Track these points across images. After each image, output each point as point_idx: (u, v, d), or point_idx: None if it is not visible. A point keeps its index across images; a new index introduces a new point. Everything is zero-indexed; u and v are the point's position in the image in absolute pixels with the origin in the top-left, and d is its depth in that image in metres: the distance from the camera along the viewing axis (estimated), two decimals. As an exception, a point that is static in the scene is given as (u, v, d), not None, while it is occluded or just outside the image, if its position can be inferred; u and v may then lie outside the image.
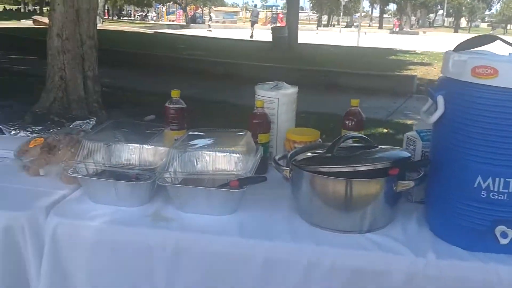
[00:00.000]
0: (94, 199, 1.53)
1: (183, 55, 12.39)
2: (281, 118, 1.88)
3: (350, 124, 1.83)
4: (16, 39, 13.73)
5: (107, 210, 1.49)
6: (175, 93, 1.83)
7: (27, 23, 17.46)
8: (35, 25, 18.16)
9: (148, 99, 6.64)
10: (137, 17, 38.05)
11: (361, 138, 1.56)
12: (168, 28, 26.57)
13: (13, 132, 1.91)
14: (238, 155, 1.58)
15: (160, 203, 1.53)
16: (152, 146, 1.64)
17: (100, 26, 20.13)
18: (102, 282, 1.46)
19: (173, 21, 36.18)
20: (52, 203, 1.52)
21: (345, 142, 1.54)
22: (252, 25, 24.74)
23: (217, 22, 38.32)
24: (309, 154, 1.56)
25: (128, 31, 19.66)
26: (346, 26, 35.15)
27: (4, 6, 34.84)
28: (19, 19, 20.49)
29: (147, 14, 38.35)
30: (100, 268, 1.45)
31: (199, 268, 1.39)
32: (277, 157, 1.58)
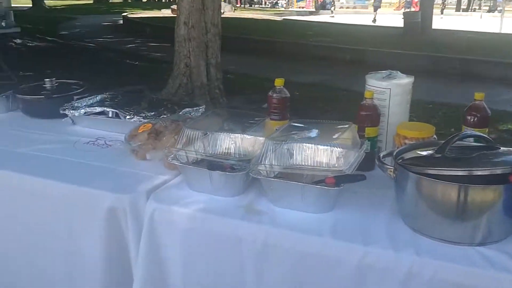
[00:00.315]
0: (192, 187, 1.54)
1: (310, 41, 12.29)
2: (392, 110, 1.73)
3: (472, 120, 1.62)
4: (155, 27, 14.73)
5: (202, 198, 1.49)
6: (278, 82, 1.77)
7: (166, 12, 18.66)
8: (173, 14, 19.38)
9: (270, 86, 6.70)
10: (268, 5, 38.70)
11: (480, 137, 1.36)
12: (297, 15, 26.58)
13: (127, 117, 2.01)
14: (340, 149, 1.48)
15: (255, 195, 1.49)
16: (251, 136, 1.59)
17: (232, 14, 20.83)
18: (195, 269, 1.46)
19: (302, 7, 36.19)
20: (153, 187, 1.56)
21: (463, 141, 1.36)
22: (375, 10, 23.80)
23: (347, 7, 37.46)
24: (419, 152, 1.40)
25: (258, 19, 20.07)
26: (489, 11, 32.13)
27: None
28: (159, 9, 21.98)
29: (278, 1, 38.85)
30: (193, 255, 1.45)
31: (287, 265, 1.33)
32: (382, 154, 1.45)
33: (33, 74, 6.90)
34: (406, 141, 1.57)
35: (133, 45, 12.19)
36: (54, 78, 2.35)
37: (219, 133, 1.55)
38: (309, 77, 8.15)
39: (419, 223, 1.28)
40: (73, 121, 2.14)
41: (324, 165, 1.43)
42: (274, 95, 1.76)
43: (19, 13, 22.83)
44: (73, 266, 1.65)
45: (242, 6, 35.62)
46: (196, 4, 4.57)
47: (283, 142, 1.44)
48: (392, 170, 1.33)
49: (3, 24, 5.79)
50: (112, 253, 1.56)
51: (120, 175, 1.66)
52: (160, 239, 1.47)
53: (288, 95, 1.77)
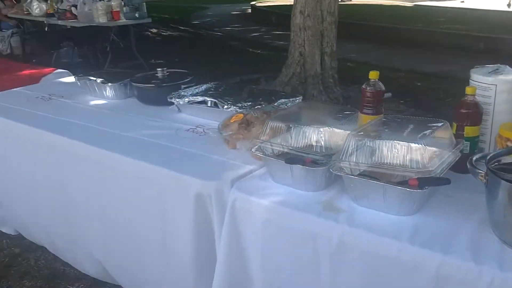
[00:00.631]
0: (274, 179, 1.55)
1: (439, 29, 11.53)
2: (498, 109, 1.57)
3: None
4: (280, 15, 14.87)
5: (282, 191, 1.50)
6: (373, 75, 1.69)
7: (290, 1, 18.79)
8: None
9: (392, 75, 6.45)
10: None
11: None
12: (430, 0, 25.05)
13: (225, 107, 2.07)
14: (432, 148, 1.39)
15: (337, 191, 1.46)
16: (339, 130, 1.56)
17: (361, 0, 20.28)
18: (272, 260, 1.48)
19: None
20: (238, 176, 1.60)
21: None
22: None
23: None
24: (520, 157, 1.26)
25: (386, 4, 19.30)
26: None
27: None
28: (286, -4, 22.19)
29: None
30: (270, 247, 1.47)
31: (362, 266, 1.29)
32: (476, 157, 1.32)
33: (163, 62, 7.43)
34: (509, 143, 1.42)
35: (258, 34, 12.46)
36: (165, 68, 2.50)
37: (303, 126, 1.53)
38: (436, 67, 7.66)
39: (508, 235, 1.15)
40: (178, 109, 2.27)
41: (410, 165, 1.35)
42: (368, 88, 1.69)
43: (157, 3, 24.73)
44: (167, 243, 1.78)
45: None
46: (312, -8, 4.54)
47: (366, 138, 1.38)
48: (483, 175, 1.21)
49: (136, 15, 6.28)
50: (199, 234, 1.64)
51: (210, 162, 1.73)
52: (241, 227, 1.51)
53: (383, 88, 1.69)
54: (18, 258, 2.51)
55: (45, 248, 2.50)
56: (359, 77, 6.51)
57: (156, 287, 1.94)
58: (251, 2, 20.17)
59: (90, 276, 2.29)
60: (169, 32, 11.78)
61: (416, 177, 1.28)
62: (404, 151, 1.38)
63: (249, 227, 1.50)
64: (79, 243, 2.20)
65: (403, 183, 1.29)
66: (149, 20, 6.75)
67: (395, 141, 1.39)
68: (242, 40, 11.10)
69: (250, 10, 18.44)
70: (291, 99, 2.13)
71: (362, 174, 1.39)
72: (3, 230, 2.69)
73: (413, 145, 1.37)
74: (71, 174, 2.07)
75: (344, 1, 19.10)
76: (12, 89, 2.81)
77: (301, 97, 2.17)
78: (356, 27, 10.86)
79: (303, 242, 1.38)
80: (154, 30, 11.30)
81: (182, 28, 12.92)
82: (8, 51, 7.34)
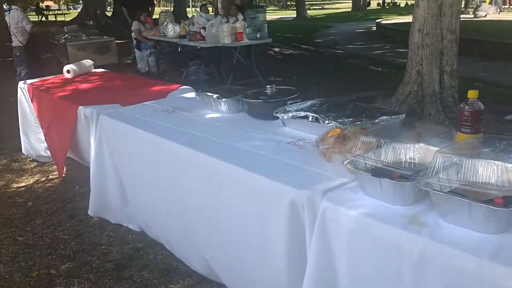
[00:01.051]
0: (365, 192, 1.62)
1: None
2: None
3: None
4: (405, 33, 14.49)
5: (371, 203, 1.56)
6: (472, 94, 1.69)
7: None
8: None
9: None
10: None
11: None
12: None
13: (326, 122, 2.17)
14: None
15: (425, 207, 1.49)
16: (431, 147, 1.58)
17: (496, 16, 18.99)
18: (357, 268, 1.55)
19: None
20: (330, 188, 1.70)
21: None
22: None
23: None
24: None
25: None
26: None
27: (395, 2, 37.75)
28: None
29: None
30: (356, 255, 1.54)
31: (443, 280, 1.31)
32: None
33: (281, 79, 7.72)
34: None
35: (381, 51, 12.29)
36: (274, 85, 2.68)
37: (394, 142, 1.58)
38: None
39: None
40: (283, 123, 2.42)
41: (498, 184, 1.33)
42: (466, 107, 1.69)
43: (284, 23, 25.53)
44: (264, 246, 1.92)
45: (510, 7, 32.00)
46: (432, 10, 4.44)
47: (453, 156, 1.40)
48: None
49: (258, 35, 6.63)
50: (293, 239, 1.77)
51: (306, 173, 1.85)
52: (329, 235, 1.60)
53: (482, 108, 1.68)
54: (140, 252, 2.83)
55: (163, 245, 2.78)
56: (484, 97, 6.16)
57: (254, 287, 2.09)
58: (376, 20, 19.96)
59: (199, 273, 2.51)
60: (290, 51, 12.12)
61: (502, 195, 1.27)
62: (496, 171, 1.37)
63: (337, 235, 1.58)
64: (190, 242, 2.44)
65: (489, 201, 1.29)
66: (270, 40, 7.08)
67: (483, 159, 1.39)
68: (363, 58, 11.05)
69: (375, 27, 18.25)
70: (393, 117, 2.17)
71: (452, 192, 1.41)
72: (130, 227, 3.04)
73: (508, 165, 1.36)
74: (185, 178, 2.32)
75: (477, 17, 18.02)
76: (143, 103, 3.20)
77: (404, 114, 2.20)
78: (489, 45, 10.22)
79: (387, 253, 1.44)
80: (277, 49, 11.72)
81: (303, 46, 13.21)
82: (146, 69, 8.15)
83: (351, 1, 35.76)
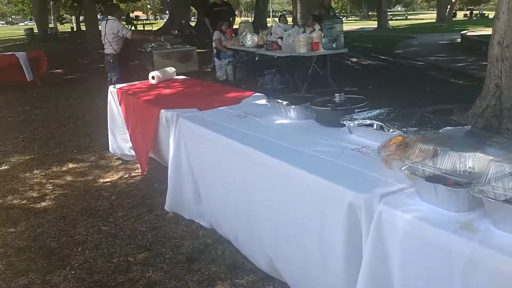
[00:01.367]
0: (421, 198, 1.68)
1: None
2: None
3: None
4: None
5: (426, 208, 1.63)
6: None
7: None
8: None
9: None
10: None
11: None
12: None
13: (390, 130, 2.23)
14: None
15: (479, 214, 1.53)
16: (488, 157, 1.61)
17: None
18: (410, 269, 1.62)
19: None
20: (387, 192, 1.78)
21: None
22: None
23: None
24: None
25: None
26: None
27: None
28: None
29: None
30: (409, 256, 1.61)
31: (492, 285, 1.35)
32: None
33: (357, 89, 7.71)
34: None
35: (463, 64, 11.87)
36: (343, 93, 2.77)
37: (450, 150, 1.63)
38: None
39: None
40: (349, 130, 2.51)
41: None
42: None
43: (365, 33, 25.28)
44: (323, 245, 2.02)
45: None
46: (513, 22, 4.30)
47: (506, 165, 1.44)
48: None
49: (334, 45, 6.71)
50: (350, 239, 1.87)
51: (366, 178, 1.94)
52: (384, 236, 1.68)
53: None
54: (209, 247, 3.01)
55: (230, 242, 2.95)
56: None
57: (313, 285, 2.19)
58: (462, 31, 19.23)
59: (262, 270, 2.64)
60: (368, 61, 12.02)
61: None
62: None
63: (392, 237, 1.66)
64: (256, 239, 2.58)
65: (542, 210, 1.32)
66: (346, 50, 7.13)
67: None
68: (444, 70, 10.73)
69: (459, 39, 17.61)
70: (458, 128, 2.19)
71: (506, 200, 1.45)
72: (201, 223, 3.25)
73: None
74: (254, 179, 2.47)
75: None
76: (219, 108, 3.41)
77: (470, 126, 2.21)
78: None
79: (439, 255, 1.50)
80: (354, 59, 11.68)
81: (382, 57, 13.04)
82: (224, 77, 8.48)
83: (436, 12, 34.65)
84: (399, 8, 62.36)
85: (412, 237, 1.58)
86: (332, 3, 15.67)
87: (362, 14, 52.91)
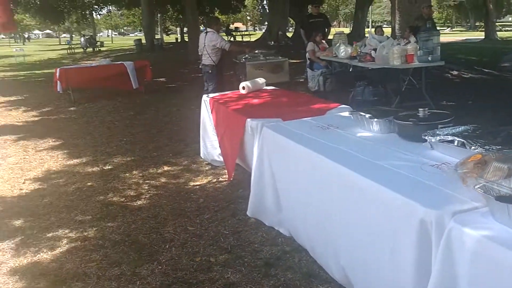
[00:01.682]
0: (494, 217, 1.64)
1: None
2: None
3: None
4: None
5: (498, 228, 1.59)
6: None
7: None
8: None
9: None
10: None
11: None
12: None
13: (472, 148, 2.17)
14: None
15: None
16: None
17: None
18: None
19: None
20: (460, 210, 1.75)
21: None
22: None
23: None
24: None
25: None
26: None
27: None
28: None
29: None
30: (477, 277, 1.58)
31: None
32: None
33: (454, 103, 7.38)
34: None
35: None
36: (427, 108, 2.73)
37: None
38: None
39: None
40: (431, 146, 2.47)
41: None
42: None
43: (470, 44, 23.92)
44: (394, 258, 2.03)
45: None
46: None
47: None
48: None
49: (429, 58, 6.49)
50: (421, 255, 1.87)
51: (440, 194, 1.92)
52: (453, 254, 1.67)
53: None
54: (287, 254, 3.09)
55: (307, 251, 3.01)
56: None
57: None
58: None
59: (337, 281, 2.67)
60: (470, 75, 11.41)
61: None
62: None
63: (461, 255, 1.63)
64: (331, 250, 2.62)
65: None
66: (442, 63, 6.87)
67: None
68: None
69: None
70: (546, 147, 2.08)
71: None
72: (280, 230, 3.33)
73: None
74: (331, 191, 2.51)
75: None
76: (303, 118, 3.50)
77: (559, 146, 2.09)
78: None
79: (509, 277, 1.45)
80: (455, 72, 11.15)
81: (486, 70, 12.30)
82: (316, 88, 8.53)
83: (553, 21, 31.93)
84: (510, 19, 58.27)
85: (481, 256, 1.55)
86: (436, 13, 15.10)
87: (469, 24, 50.18)
